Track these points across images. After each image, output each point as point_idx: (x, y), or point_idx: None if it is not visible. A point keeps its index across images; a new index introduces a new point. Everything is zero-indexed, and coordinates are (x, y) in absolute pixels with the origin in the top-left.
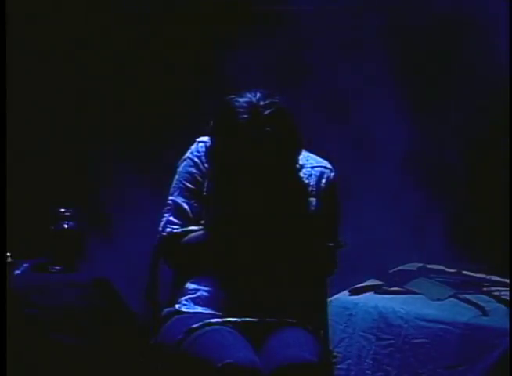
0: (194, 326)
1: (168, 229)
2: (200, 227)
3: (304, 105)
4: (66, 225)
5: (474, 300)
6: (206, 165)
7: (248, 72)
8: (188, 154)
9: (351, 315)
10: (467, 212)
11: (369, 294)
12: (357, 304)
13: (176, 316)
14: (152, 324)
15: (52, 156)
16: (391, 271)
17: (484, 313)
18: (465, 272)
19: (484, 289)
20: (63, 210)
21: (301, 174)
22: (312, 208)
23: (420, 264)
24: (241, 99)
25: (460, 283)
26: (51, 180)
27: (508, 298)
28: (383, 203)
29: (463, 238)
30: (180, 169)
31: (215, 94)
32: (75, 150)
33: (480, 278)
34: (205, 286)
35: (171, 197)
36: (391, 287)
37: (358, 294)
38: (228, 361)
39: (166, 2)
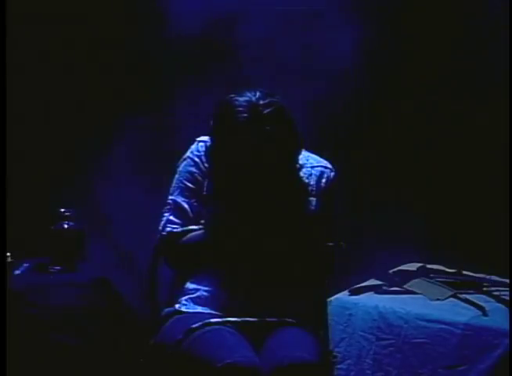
0: (194, 326)
1: (168, 229)
2: (200, 227)
3: None
4: (66, 225)
5: (474, 300)
6: (206, 165)
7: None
8: (188, 154)
9: (351, 315)
10: (467, 212)
11: (369, 294)
12: (357, 304)
13: (176, 316)
14: (152, 324)
15: (52, 156)
16: (391, 271)
17: (484, 313)
18: (465, 272)
19: (484, 289)
20: (63, 210)
21: (301, 174)
22: (312, 208)
23: (420, 264)
24: (241, 98)
25: (460, 283)
26: (51, 180)
27: (508, 298)
28: (382, 201)
29: (463, 238)
30: (180, 169)
31: (215, 94)
32: (75, 150)
33: (480, 278)
34: (205, 286)
35: (171, 197)
36: (391, 287)
37: (358, 294)
38: (229, 361)
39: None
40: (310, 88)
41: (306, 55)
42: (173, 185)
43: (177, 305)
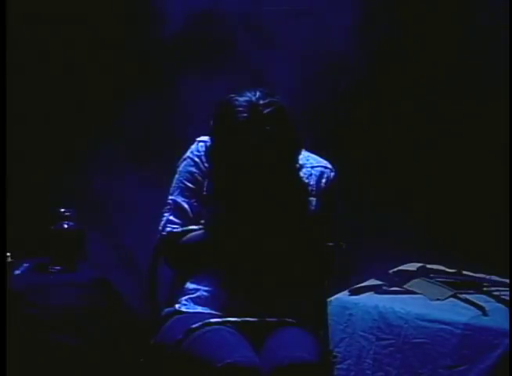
0: (194, 326)
1: (168, 229)
2: (200, 227)
3: None
4: (66, 225)
5: (474, 300)
6: (206, 165)
7: None
8: (188, 154)
9: (351, 315)
10: (467, 212)
11: (369, 294)
12: (357, 304)
13: (176, 316)
14: (152, 324)
15: (52, 156)
16: (391, 271)
17: (484, 313)
18: (465, 272)
19: (484, 289)
20: (63, 210)
21: (301, 174)
22: (312, 208)
23: (420, 264)
24: (241, 98)
25: (460, 283)
26: (51, 180)
27: (508, 298)
28: (382, 201)
29: (463, 238)
30: (180, 169)
31: (215, 94)
32: (75, 150)
33: (480, 278)
34: (205, 286)
35: (171, 197)
36: (391, 287)
37: (358, 294)
38: (229, 361)
39: None
40: (310, 87)
41: (306, 53)
42: (173, 185)
43: (177, 305)
